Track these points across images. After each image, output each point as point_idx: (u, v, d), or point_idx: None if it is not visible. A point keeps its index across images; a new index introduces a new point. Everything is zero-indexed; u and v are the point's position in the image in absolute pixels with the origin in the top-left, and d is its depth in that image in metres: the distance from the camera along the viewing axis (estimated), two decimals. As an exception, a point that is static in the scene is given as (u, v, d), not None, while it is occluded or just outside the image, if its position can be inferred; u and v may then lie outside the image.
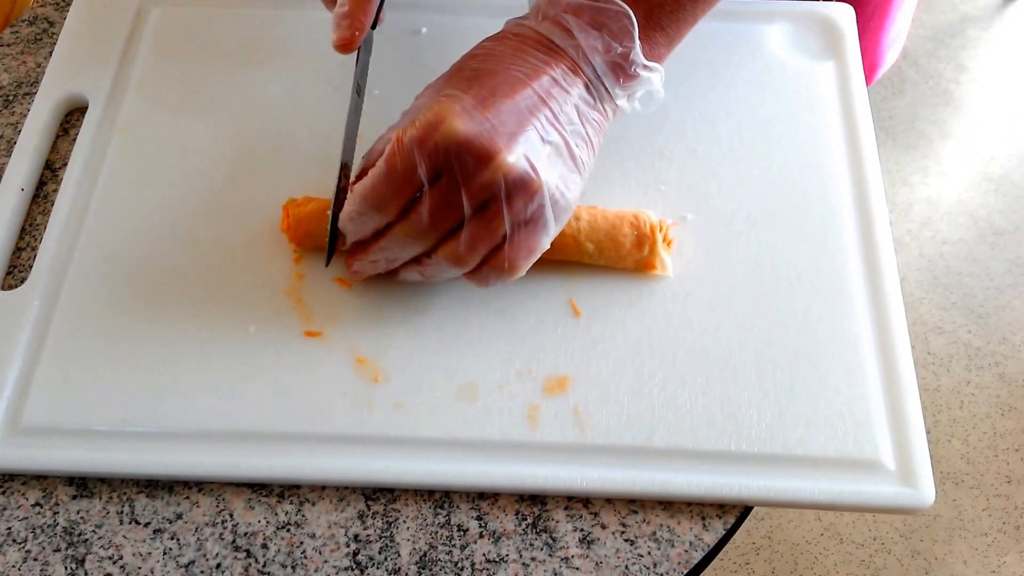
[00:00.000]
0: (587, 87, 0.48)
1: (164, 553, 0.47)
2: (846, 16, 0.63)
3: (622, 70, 0.48)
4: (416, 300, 0.53)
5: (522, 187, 0.45)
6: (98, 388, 0.50)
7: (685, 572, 0.46)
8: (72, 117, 0.62)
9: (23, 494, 0.48)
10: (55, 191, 0.58)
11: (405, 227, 0.47)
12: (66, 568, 0.46)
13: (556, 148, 0.46)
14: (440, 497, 0.48)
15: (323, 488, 0.48)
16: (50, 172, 0.59)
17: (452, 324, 0.52)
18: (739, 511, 0.48)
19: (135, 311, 0.53)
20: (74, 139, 0.60)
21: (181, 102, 0.60)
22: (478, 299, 0.53)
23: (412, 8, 0.64)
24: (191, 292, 0.53)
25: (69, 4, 0.66)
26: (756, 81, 0.61)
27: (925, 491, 0.47)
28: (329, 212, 0.50)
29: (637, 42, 0.47)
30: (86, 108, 0.60)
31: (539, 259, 0.49)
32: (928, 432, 1.41)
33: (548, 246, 0.48)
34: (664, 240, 0.53)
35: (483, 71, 0.46)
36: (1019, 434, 1.41)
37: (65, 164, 0.59)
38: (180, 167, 0.58)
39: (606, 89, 0.48)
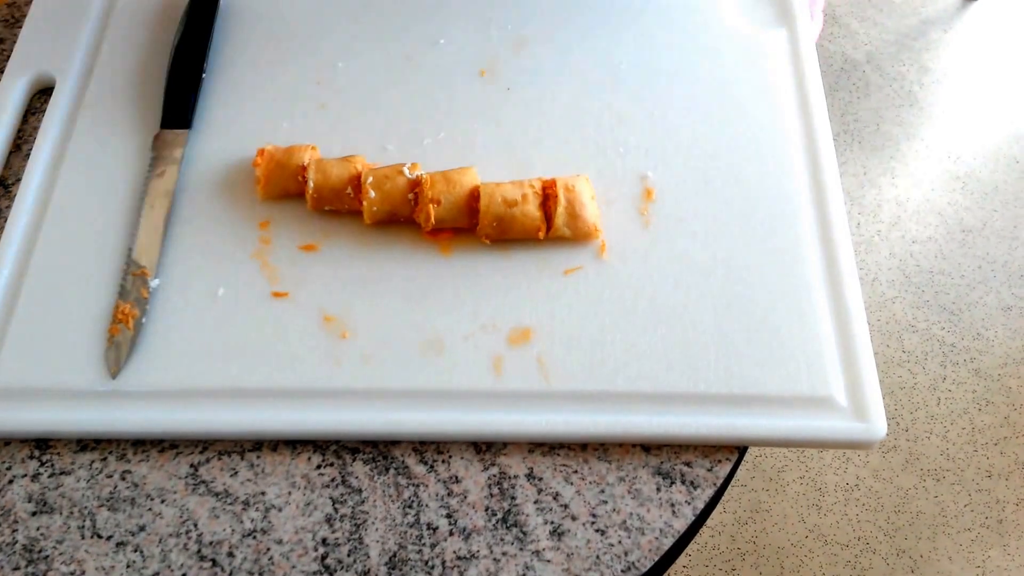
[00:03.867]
0: None
1: (127, 566, 0.48)
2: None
3: None
4: (380, 261, 0.56)
5: None
6: (58, 348, 0.53)
7: (656, 559, 0.49)
8: (39, 98, 0.65)
9: (-20, 507, 0.50)
10: (23, 168, 0.61)
11: None
12: (28, 583, 0.48)
13: None
14: (409, 497, 0.51)
15: (289, 492, 0.50)
16: (17, 151, 0.62)
17: (417, 284, 0.55)
18: (708, 495, 0.51)
19: (100, 275, 0.55)
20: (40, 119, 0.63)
21: (146, 78, 0.64)
22: (440, 260, 0.56)
23: None
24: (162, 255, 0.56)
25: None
26: (710, 48, 0.66)
27: (876, 424, 0.51)
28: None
29: None
30: (52, 88, 0.64)
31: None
32: (907, 430, 1.46)
33: None
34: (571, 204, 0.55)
35: None
36: (997, 428, 1.47)
37: (33, 141, 0.62)
38: (146, 140, 0.61)
39: None
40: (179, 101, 0.61)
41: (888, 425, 1.46)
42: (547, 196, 0.57)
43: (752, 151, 0.61)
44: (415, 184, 0.56)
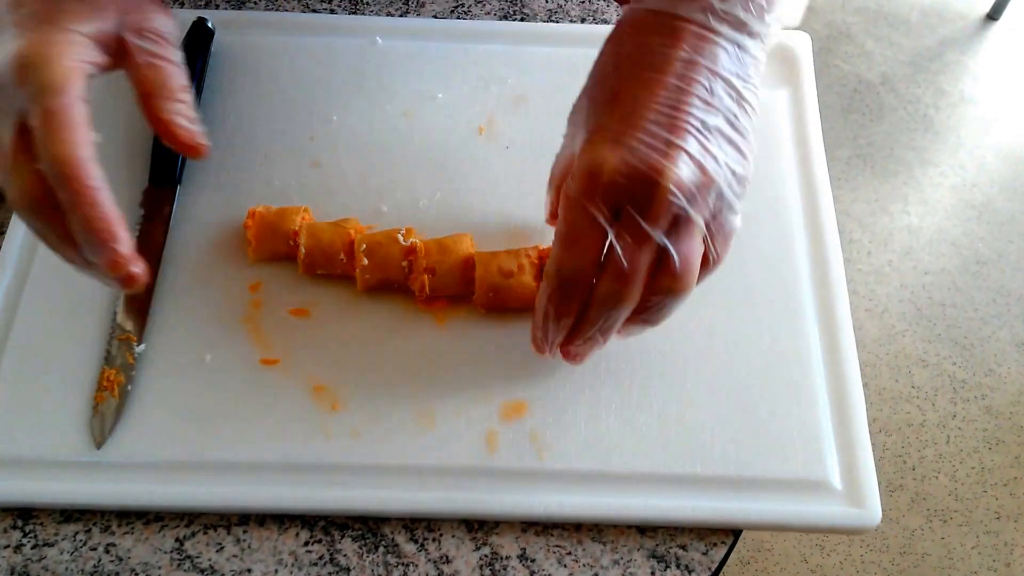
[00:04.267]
0: (723, 48, 0.46)
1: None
2: (802, 44, 0.68)
3: None
4: (372, 328, 0.57)
5: (700, 191, 0.45)
6: (42, 416, 0.53)
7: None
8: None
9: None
10: (7, 221, 0.61)
11: (608, 283, 0.46)
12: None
13: (719, 129, 0.46)
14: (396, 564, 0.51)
15: (276, 571, 0.51)
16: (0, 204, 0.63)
17: (410, 353, 0.56)
18: (707, 569, 0.52)
19: (84, 339, 0.56)
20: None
21: (134, 132, 0.64)
22: (434, 330, 0.57)
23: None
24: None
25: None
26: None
27: (872, 510, 0.52)
28: None
29: None
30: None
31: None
32: (914, 468, 1.46)
33: (740, 222, 0.49)
34: None
35: (617, 86, 0.46)
36: (1008, 468, 1.47)
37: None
38: (134, 197, 0.61)
39: (744, 28, 0.47)
40: (168, 157, 0.61)
41: (894, 463, 1.46)
42: (544, 265, 0.57)
43: (752, 221, 0.61)
44: (409, 252, 0.56)
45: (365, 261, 0.56)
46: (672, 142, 0.44)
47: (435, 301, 0.57)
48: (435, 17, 0.71)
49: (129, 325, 0.56)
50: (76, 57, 0.45)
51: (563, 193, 0.46)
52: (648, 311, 0.48)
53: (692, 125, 0.45)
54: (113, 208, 0.44)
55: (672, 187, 0.44)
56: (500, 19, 0.71)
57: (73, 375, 0.55)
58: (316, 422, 0.53)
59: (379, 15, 0.71)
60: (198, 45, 0.66)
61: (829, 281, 0.59)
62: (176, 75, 0.49)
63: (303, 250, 0.56)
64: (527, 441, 0.53)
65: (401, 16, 0.71)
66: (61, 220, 0.44)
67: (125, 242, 0.44)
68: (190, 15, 0.67)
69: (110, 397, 0.54)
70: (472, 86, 0.66)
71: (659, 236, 0.45)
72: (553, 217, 0.56)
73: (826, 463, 0.53)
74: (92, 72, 0.46)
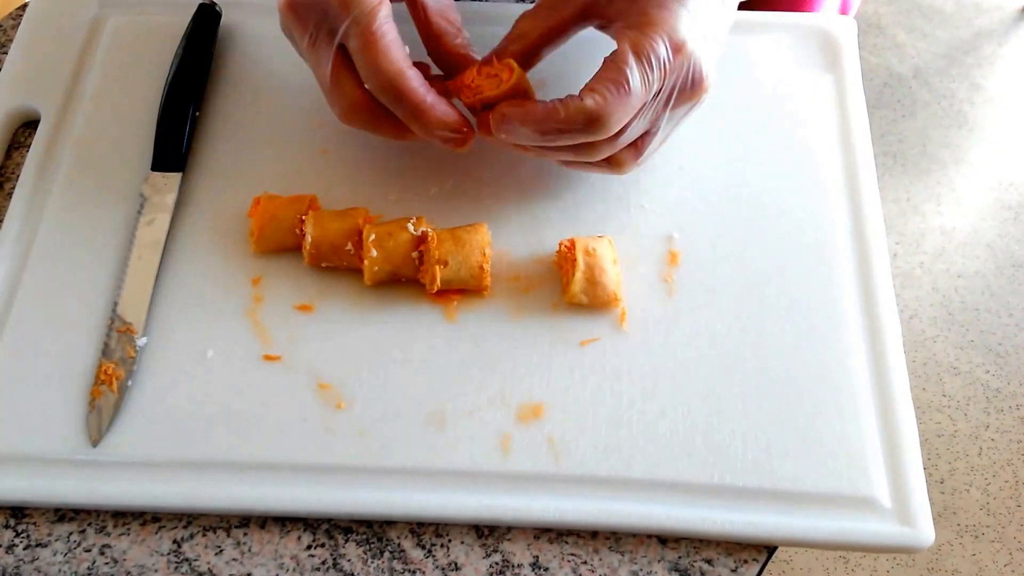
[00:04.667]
0: None
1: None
2: (846, 30, 0.67)
3: None
4: (380, 324, 0.55)
5: (700, 95, 0.52)
6: (36, 411, 0.52)
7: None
8: (24, 131, 0.64)
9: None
10: (5, 207, 0.60)
11: (604, 139, 0.50)
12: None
13: (720, 47, 0.53)
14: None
15: (277, 575, 0.50)
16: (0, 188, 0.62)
17: (419, 351, 0.54)
18: None
19: (82, 330, 0.55)
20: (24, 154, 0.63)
21: (137, 115, 0.63)
22: (446, 325, 0.55)
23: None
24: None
25: (21, 16, 0.69)
26: (749, 96, 0.64)
27: (923, 530, 0.50)
28: None
29: None
30: (38, 122, 0.63)
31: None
32: (943, 482, 1.44)
33: None
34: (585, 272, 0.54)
35: None
36: (1042, 482, 1.44)
37: (16, 178, 0.61)
38: (135, 182, 0.60)
39: None
40: (171, 142, 0.60)
41: (923, 475, 1.43)
42: (564, 258, 0.55)
43: (790, 213, 0.59)
44: (420, 241, 0.55)
45: (374, 252, 0.54)
46: (717, 33, 0.52)
47: (447, 295, 0.56)
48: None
49: (130, 316, 0.55)
50: None
51: (635, 48, 0.48)
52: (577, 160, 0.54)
53: (722, 9, 0.53)
54: (441, 103, 0.52)
55: (707, 92, 0.52)
56: (515, 0, 0.70)
57: (70, 368, 0.54)
58: (320, 421, 0.52)
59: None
60: (205, 28, 0.65)
61: (873, 281, 0.57)
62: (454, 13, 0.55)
63: (309, 240, 0.55)
64: (544, 445, 0.51)
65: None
66: (391, 122, 0.53)
67: (461, 121, 0.52)
68: (197, -4, 0.66)
69: (108, 392, 0.52)
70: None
71: (664, 121, 0.52)
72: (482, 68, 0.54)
73: (872, 477, 0.51)
74: None
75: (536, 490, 0.50)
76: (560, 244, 0.56)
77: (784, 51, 0.66)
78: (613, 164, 0.54)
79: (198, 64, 0.63)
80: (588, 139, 0.49)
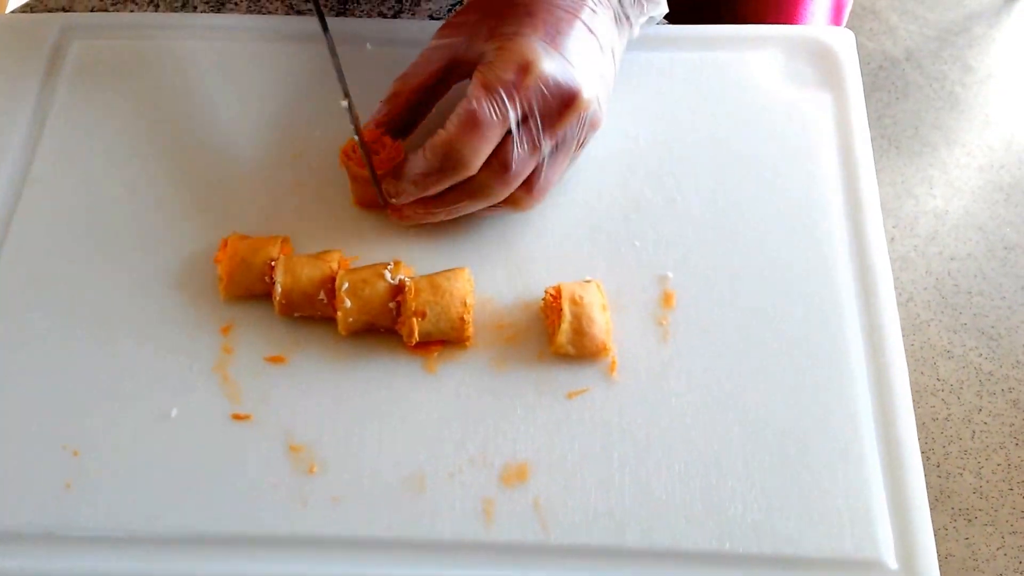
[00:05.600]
0: (615, 16, 0.51)
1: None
2: (844, 42, 0.60)
3: None
4: (356, 378, 0.49)
5: (594, 125, 0.49)
6: (-7, 486, 0.46)
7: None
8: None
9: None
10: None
11: (489, 178, 0.47)
12: None
13: (605, 80, 0.49)
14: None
15: None
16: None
17: (397, 406, 0.49)
18: None
19: (39, 387, 0.49)
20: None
21: (102, 139, 0.57)
22: (425, 378, 0.49)
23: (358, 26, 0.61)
24: (103, 365, 0.49)
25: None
26: (742, 118, 0.58)
27: (931, 593, 0.44)
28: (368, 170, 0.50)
29: None
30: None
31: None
32: (938, 466, 1.39)
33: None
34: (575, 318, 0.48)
35: (535, 7, 0.48)
36: (1035, 466, 1.39)
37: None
38: (101, 213, 0.54)
39: (626, 16, 0.51)
40: None
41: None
42: (550, 307, 0.49)
43: (790, 247, 0.53)
44: (397, 291, 0.49)
45: (348, 303, 0.48)
46: (587, 73, 0.47)
47: (427, 346, 0.50)
48: (432, 18, 0.63)
49: None
50: None
51: (481, 79, 0.46)
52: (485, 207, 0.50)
53: (597, 66, 0.48)
54: None
55: (583, 109, 0.47)
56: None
57: (19, 433, 0.48)
58: (292, 487, 0.46)
59: (370, 16, 0.63)
60: None
61: (880, 322, 0.51)
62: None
63: (279, 290, 0.49)
64: (530, 511, 0.46)
65: (394, 17, 0.63)
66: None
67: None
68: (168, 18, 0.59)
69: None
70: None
71: (548, 151, 0.48)
72: (377, 127, 0.51)
73: (879, 538, 0.45)
74: None
75: (523, 561, 0.45)
76: (546, 292, 0.50)
77: (779, 67, 0.59)
78: (511, 203, 0.50)
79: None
80: (457, 177, 0.47)
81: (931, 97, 1.76)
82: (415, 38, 0.59)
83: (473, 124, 0.45)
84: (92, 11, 0.64)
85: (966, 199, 1.63)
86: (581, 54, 0.47)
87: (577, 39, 0.48)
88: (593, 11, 0.49)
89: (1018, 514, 1.35)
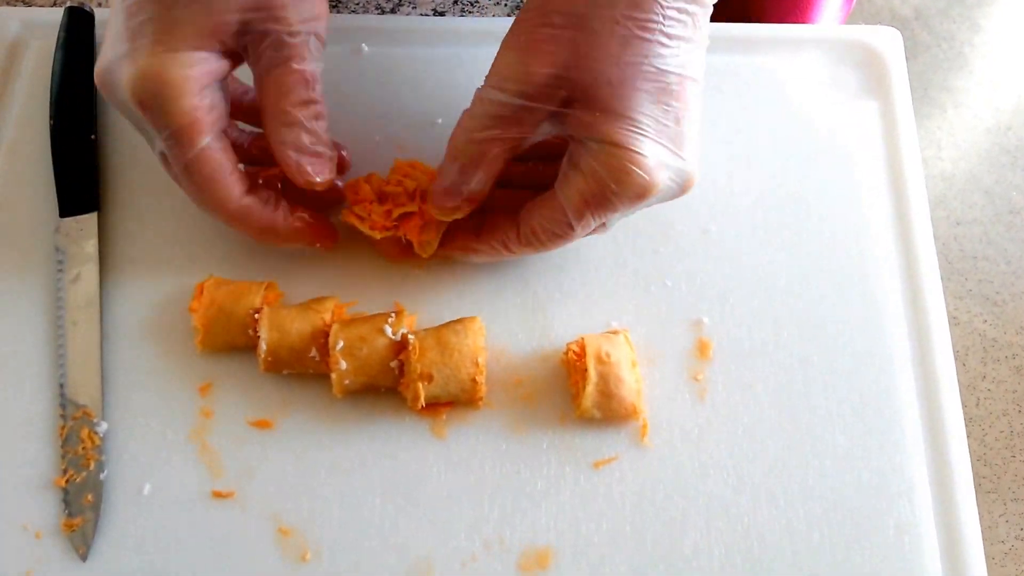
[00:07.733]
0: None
1: None
2: (892, 43, 0.50)
3: None
4: (353, 445, 0.41)
5: None
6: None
7: None
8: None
9: None
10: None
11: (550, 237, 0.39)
12: None
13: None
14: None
15: None
16: None
17: (401, 480, 0.40)
18: None
19: (-5, 468, 0.41)
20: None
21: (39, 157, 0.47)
22: (433, 445, 0.41)
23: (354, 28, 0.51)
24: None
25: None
26: (781, 132, 0.48)
27: None
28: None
29: None
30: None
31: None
32: (941, 433, 1.32)
33: None
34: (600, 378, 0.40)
35: (635, 67, 0.35)
36: (1038, 433, 1.32)
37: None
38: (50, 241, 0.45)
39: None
40: (76, 178, 0.45)
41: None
42: (573, 366, 0.41)
43: (837, 286, 0.44)
44: (400, 348, 0.40)
45: (343, 364, 0.40)
46: (697, 139, 0.38)
47: (435, 407, 0.41)
48: (436, 12, 0.53)
49: (84, 398, 0.41)
50: (198, 87, 0.36)
51: (583, 199, 0.37)
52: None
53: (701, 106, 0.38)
54: (287, 219, 0.41)
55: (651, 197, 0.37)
56: (511, 14, 0.53)
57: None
58: (283, 577, 0.39)
59: (365, 13, 0.53)
60: (79, 36, 0.48)
61: (934, 368, 0.42)
62: (297, 87, 0.38)
63: (264, 346, 0.40)
64: (552, 604, 0.38)
65: (391, 13, 0.53)
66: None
67: (315, 231, 0.42)
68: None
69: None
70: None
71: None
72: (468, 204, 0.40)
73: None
74: (220, 86, 0.38)
75: (545, 663, 0.37)
76: (568, 348, 0.41)
77: (820, 73, 0.49)
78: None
79: (80, 79, 0.47)
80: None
81: (939, 58, 1.63)
82: (415, 38, 0.50)
83: (566, 239, 0.39)
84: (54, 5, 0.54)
85: (972, 162, 1.53)
86: (694, 140, 0.37)
87: (691, 119, 0.37)
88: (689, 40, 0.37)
89: (1020, 481, 1.28)
